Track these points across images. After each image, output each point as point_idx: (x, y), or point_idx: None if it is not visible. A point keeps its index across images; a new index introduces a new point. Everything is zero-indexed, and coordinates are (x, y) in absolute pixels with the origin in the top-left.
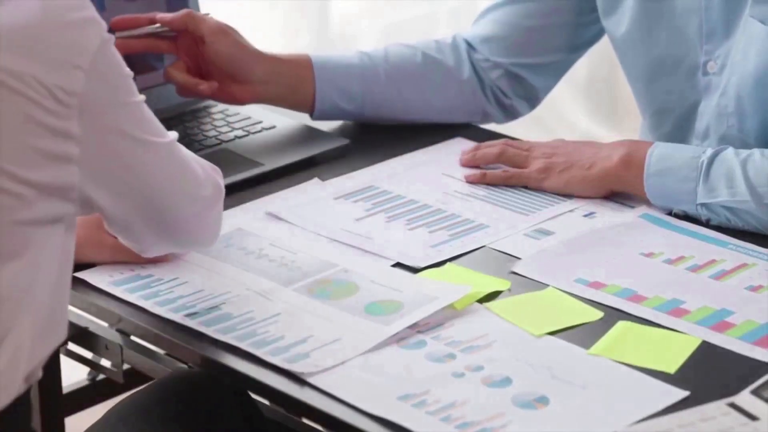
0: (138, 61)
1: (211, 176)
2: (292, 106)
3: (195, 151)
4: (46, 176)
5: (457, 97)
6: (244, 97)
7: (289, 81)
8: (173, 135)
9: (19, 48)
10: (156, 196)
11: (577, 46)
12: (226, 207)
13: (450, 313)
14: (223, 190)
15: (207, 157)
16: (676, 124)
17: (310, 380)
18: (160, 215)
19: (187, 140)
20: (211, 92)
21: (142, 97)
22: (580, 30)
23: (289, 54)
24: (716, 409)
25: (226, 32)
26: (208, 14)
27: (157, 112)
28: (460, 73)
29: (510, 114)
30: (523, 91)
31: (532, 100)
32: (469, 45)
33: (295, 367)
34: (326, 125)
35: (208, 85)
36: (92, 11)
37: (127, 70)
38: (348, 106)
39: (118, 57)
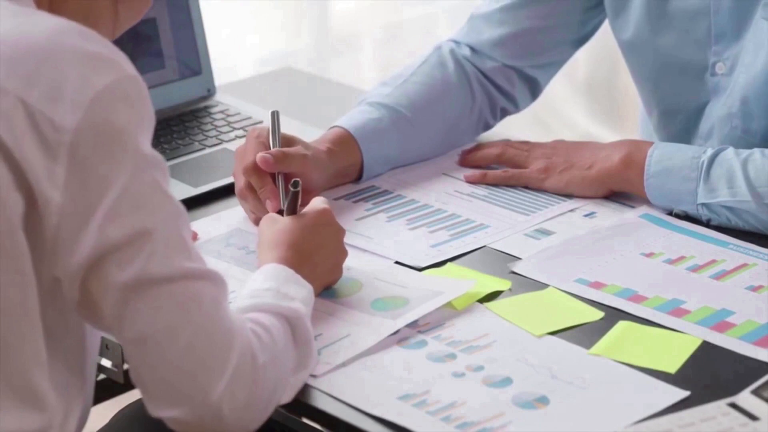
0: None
1: (248, 341)
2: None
3: (195, 151)
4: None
5: (469, 130)
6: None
7: (345, 168)
8: (199, 266)
9: (16, 66)
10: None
11: (582, 39)
12: (227, 207)
13: (450, 313)
14: (264, 367)
15: (207, 157)
16: (684, 125)
17: (310, 380)
18: (157, 356)
19: (187, 140)
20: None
21: (164, 186)
22: (587, 23)
23: (335, 136)
24: (716, 409)
25: (308, 159)
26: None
27: (158, 113)
28: (474, 104)
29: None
30: (529, 91)
31: (536, 96)
32: (476, 52)
33: None
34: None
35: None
36: (110, 51)
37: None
38: (384, 168)
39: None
